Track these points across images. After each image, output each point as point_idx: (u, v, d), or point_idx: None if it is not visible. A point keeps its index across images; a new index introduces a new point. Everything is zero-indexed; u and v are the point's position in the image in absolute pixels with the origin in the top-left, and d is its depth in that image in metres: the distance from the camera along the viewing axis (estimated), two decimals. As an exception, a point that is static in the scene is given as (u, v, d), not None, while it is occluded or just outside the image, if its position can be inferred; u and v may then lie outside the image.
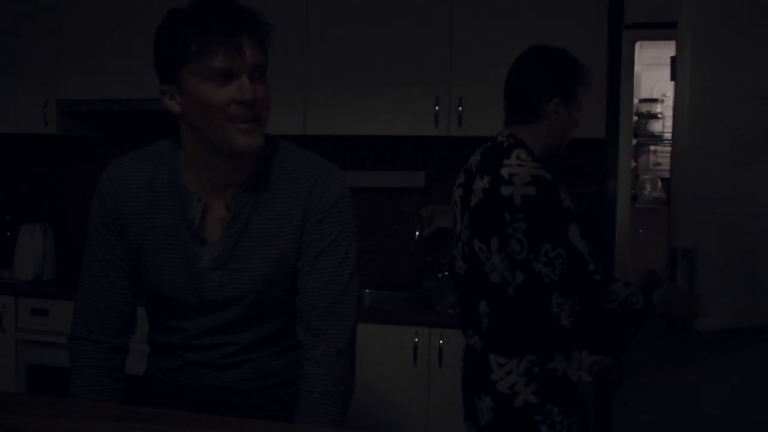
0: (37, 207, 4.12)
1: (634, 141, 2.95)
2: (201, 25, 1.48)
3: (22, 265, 3.80)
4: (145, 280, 1.66)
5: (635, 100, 2.95)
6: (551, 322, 2.03)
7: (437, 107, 3.33)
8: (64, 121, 3.83)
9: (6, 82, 3.85)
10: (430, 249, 3.66)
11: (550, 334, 2.05)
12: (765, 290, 2.44)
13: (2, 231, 4.01)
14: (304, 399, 1.60)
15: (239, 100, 1.50)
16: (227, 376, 1.67)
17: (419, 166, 3.73)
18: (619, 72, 2.83)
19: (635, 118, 2.97)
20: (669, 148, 2.88)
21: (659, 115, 3.11)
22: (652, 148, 3.21)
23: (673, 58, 2.42)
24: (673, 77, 2.43)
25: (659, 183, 3.09)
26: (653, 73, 3.08)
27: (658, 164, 3.19)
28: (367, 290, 3.65)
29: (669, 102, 2.95)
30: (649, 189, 3.11)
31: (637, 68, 2.88)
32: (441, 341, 3.09)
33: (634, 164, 2.98)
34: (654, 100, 3.14)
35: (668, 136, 2.99)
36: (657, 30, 2.74)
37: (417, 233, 3.58)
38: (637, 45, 2.85)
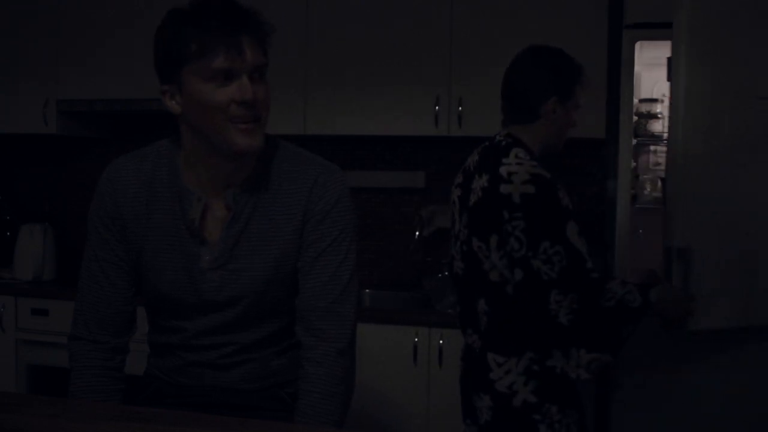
0: (37, 207, 4.12)
1: (634, 141, 2.95)
2: (201, 25, 1.48)
3: (22, 265, 3.79)
4: (145, 280, 1.67)
5: (635, 100, 2.95)
6: (550, 319, 2.03)
7: (437, 107, 3.33)
8: (64, 121, 3.82)
9: (6, 82, 3.85)
10: (430, 249, 3.66)
11: (548, 331, 2.06)
12: (765, 290, 2.44)
13: (2, 231, 4.01)
14: (304, 399, 1.60)
15: (239, 100, 1.50)
16: (227, 376, 1.67)
17: (419, 166, 3.73)
18: (619, 72, 2.83)
19: (635, 118, 2.97)
20: (668, 148, 2.88)
21: (659, 115, 3.11)
22: (652, 148, 3.21)
23: (669, 59, 2.42)
24: (669, 78, 2.43)
25: (659, 183, 3.10)
26: (653, 73, 3.08)
27: (658, 164, 3.19)
28: (367, 290, 3.65)
29: (668, 102, 2.95)
30: (648, 189, 3.11)
31: (637, 68, 2.88)
32: (441, 341, 3.09)
33: (634, 164, 2.98)
34: (654, 100, 3.13)
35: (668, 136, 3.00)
36: (657, 30, 2.73)
37: (417, 233, 3.58)
38: (637, 45, 2.85)
